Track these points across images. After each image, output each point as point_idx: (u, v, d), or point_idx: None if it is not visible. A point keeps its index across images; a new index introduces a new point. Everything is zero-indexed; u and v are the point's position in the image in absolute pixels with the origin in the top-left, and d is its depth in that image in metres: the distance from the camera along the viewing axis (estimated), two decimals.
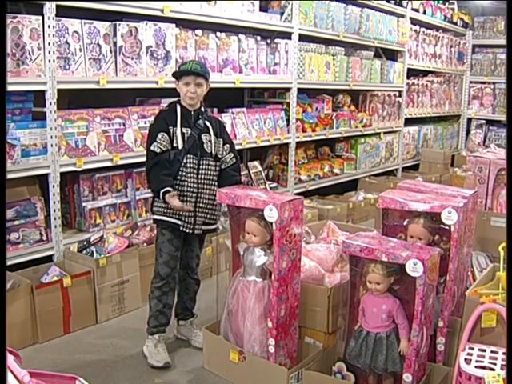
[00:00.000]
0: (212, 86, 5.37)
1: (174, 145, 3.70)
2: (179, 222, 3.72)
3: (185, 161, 3.69)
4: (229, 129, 5.74)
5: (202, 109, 3.83)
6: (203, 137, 3.76)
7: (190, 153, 3.70)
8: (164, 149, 3.66)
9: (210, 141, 3.77)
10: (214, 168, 3.80)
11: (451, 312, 3.39)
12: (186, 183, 3.70)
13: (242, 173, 4.20)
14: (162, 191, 3.58)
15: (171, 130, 3.68)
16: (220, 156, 3.85)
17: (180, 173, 3.69)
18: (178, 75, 3.76)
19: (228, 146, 3.89)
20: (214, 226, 3.90)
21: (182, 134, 3.70)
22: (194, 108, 3.78)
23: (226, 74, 5.60)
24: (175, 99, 3.83)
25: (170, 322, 3.92)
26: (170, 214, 3.72)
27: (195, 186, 3.71)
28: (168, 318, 3.87)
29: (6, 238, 4.14)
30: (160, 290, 3.79)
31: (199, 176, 3.72)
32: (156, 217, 3.79)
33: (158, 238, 3.84)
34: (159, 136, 3.66)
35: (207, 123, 3.79)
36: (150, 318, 3.84)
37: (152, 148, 3.66)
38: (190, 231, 3.75)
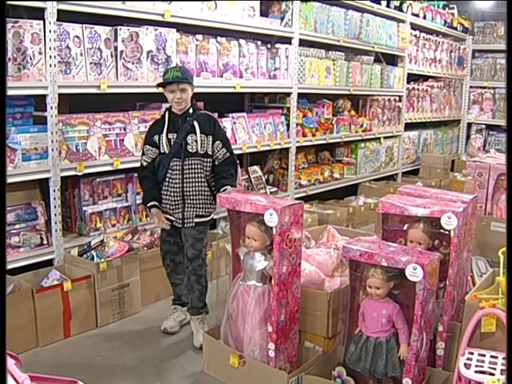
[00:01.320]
0: (212, 90, 5.43)
1: (162, 151, 4.03)
2: (171, 218, 4.07)
3: (171, 164, 4.00)
4: (229, 133, 5.75)
5: (191, 110, 4.04)
6: (188, 138, 3.99)
7: (175, 156, 3.99)
8: (149, 160, 4.07)
9: (196, 140, 3.99)
10: (200, 165, 4.02)
11: (451, 317, 3.40)
12: (171, 184, 4.01)
13: (241, 177, 4.28)
14: (148, 205, 4.08)
15: (157, 138, 4.03)
16: (211, 153, 4.04)
17: (168, 175, 4.01)
18: (162, 85, 3.99)
19: (219, 142, 4.06)
20: (208, 218, 4.13)
21: (168, 139, 4.00)
22: (183, 111, 4.02)
23: (227, 78, 5.61)
24: (167, 106, 4.13)
25: (182, 300, 4.33)
26: (164, 211, 4.08)
27: (180, 185, 3.99)
28: (178, 294, 4.35)
29: (5, 242, 4.14)
30: (165, 269, 4.32)
31: (184, 175, 3.99)
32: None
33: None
34: (145, 149, 4.10)
35: (195, 123, 4.00)
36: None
37: (142, 161, 4.13)
38: (180, 225, 4.06)
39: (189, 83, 3.97)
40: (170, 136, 3.98)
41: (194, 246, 4.07)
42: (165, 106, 5.26)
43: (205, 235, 4.14)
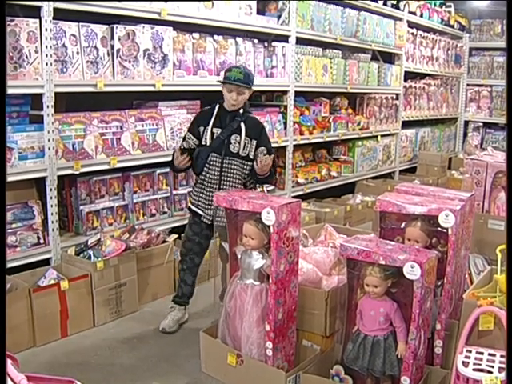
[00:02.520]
0: (209, 89, 5.42)
1: (203, 143, 4.05)
2: (201, 213, 4.10)
3: (209, 158, 4.03)
4: None
5: (241, 110, 4.07)
6: (233, 137, 4.02)
7: (214, 151, 4.01)
8: (187, 147, 4.09)
9: (239, 142, 4.02)
10: (240, 168, 4.05)
11: (449, 315, 3.40)
12: (208, 179, 4.05)
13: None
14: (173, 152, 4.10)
15: (202, 130, 4.06)
16: (252, 157, 4.06)
17: (204, 169, 4.05)
18: (222, 81, 4.02)
19: (263, 148, 4.07)
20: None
21: (212, 133, 4.03)
22: (234, 109, 4.05)
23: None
24: (221, 100, 4.12)
25: (183, 299, 4.31)
26: (196, 204, 4.14)
27: (217, 181, 4.03)
28: (183, 292, 4.31)
29: (5, 242, 4.13)
30: (180, 264, 4.33)
31: (222, 173, 4.03)
32: (189, 204, 4.31)
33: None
34: (187, 136, 4.14)
35: (242, 125, 4.03)
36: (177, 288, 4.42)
37: (180, 145, 4.17)
38: (209, 222, 4.05)
39: (248, 88, 4.03)
40: (214, 130, 4.02)
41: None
42: (162, 104, 5.29)
43: None
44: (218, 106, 4.09)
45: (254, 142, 4.05)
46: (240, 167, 4.04)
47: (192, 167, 4.13)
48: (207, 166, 4.03)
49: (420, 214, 3.35)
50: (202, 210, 4.09)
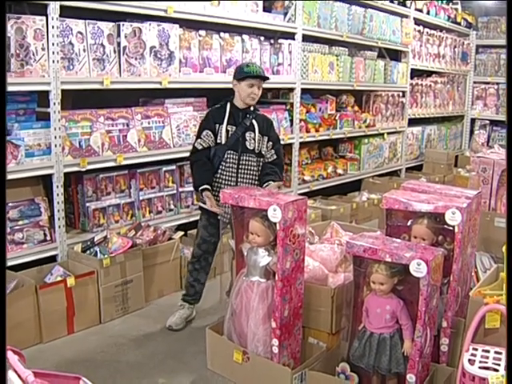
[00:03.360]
0: (215, 86, 5.43)
1: (218, 141, 4.06)
2: (219, 211, 4.01)
3: (225, 156, 4.04)
4: None
5: (251, 108, 4.11)
6: (247, 134, 4.06)
7: (230, 149, 4.04)
8: (206, 146, 4.06)
9: (254, 138, 4.07)
10: (255, 164, 4.11)
11: (455, 313, 3.39)
12: (225, 177, 4.06)
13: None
14: (200, 188, 4.00)
15: (217, 127, 4.06)
16: (264, 153, 4.13)
17: (221, 167, 4.06)
18: (242, 77, 4.02)
19: (272, 143, 4.16)
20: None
21: (227, 131, 4.06)
22: (245, 106, 4.09)
23: (230, 74, 5.57)
24: (228, 98, 4.16)
25: (196, 297, 4.32)
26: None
27: (234, 179, 4.06)
28: (196, 291, 4.30)
29: (5, 239, 4.16)
30: (192, 265, 4.27)
31: (239, 171, 4.07)
32: (200, 204, 4.19)
33: (198, 222, 4.28)
34: (204, 133, 4.08)
35: (254, 122, 4.08)
36: (185, 288, 4.38)
37: (196, 144, 4.10)
38: (227, 220, 3.98)
39: (266, 81, 4.11)
40: (228, 128, 4.04)
41: None
42: (168, 102, 5.29)
43: None
44: (229, 103, 4.11)
45: (266, 138, 4.12)
46: (256, 163, 4.10)
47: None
48: (223, 163, 4.04)
49: (426, 212, 3.34)
50: (220, 209, 4.03)
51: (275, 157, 4.16)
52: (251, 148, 4.06)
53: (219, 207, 3.95)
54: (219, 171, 4.06)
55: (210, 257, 4.28)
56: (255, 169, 4.10)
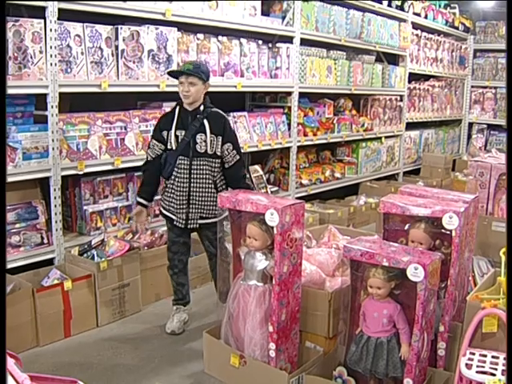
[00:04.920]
0: (213, 89, 5.40)
1: (169, 147, 4.02)
2: (173, 217, 4.08)
3: (177, 162, 3.99)
4: None
5: (202, 107, 4.00)
6: (198, 137, 3.96)
7: (181, 154, 3.98)
8: (154, 156, 4.07)
9: (205, 140, 3.96)
10: (209, 167, 4.01)
11: (452, 317, 3.39)
12: (177, 183, 4.01)
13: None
14: (137, 200, 4.25)
15: (165, 134, 4.02)
16: (220, 154, 4.01)
17: (174, 173, 4.01)
18: (173, 76, 4.00)
19: (229, 144, 4.04)
20: (214, 220, 4.03)
21: (176, 136, 3.98)
22: (193, 107, 3.98)
23: (228, 77, 5.61)
24: (178, 101, 4.07)
25: (187, 299, 4.35)
26: (167, 209, 4.13)
27: (186, 185, 3.99)
28: (183, 294, 4.32)
29: (6, 242, 4.14)
30: (171, 270, 4.26)
31: (191, 175, 3.97)
32: (160, 209, 4.23)
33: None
34: (151, 143, 4.10)
35: (205, 122, 3.97)
36: (173, 293, 4.36)
37: (146, 155, 4.15)
38: (182, 226, 4.06)
39: (199, 78, 3.92)
40: (178, 133, 3.97)
41: (213, 245, 4.09)
42: (166, 105, 5.28)
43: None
44: (178, 107, 4.04)
45: (220, 139, 3.99)
46: (209, 166, 3.99)
47: (161, 172, 4.12)
48: (176, 169, 3.99)
49: (424, 216, 3.34)
50: (174, 214, 4.07)
51: (238, 158, 4.07)
52: (202, 151, 3.95)
53: (141, 224, 4.26)
54: (172, 177, 4.02)
55: (184, 257, 4.25)
56: (209, 171, 3.99)
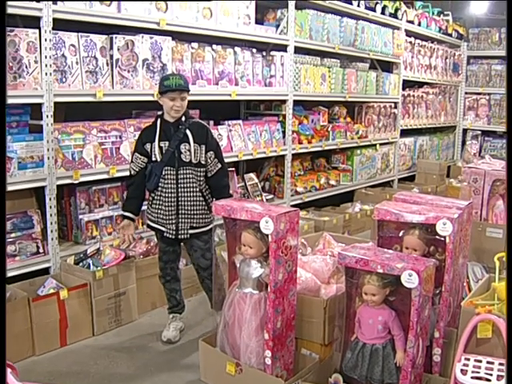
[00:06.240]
0: (208, 98, 5.45)
1: (153, 159, 4.01)
2: (163, 229, 4.08)
3: (163, 173, 3.99)
4: (225, 141, 5.78)
5: (183, 118, 4.01)
6: (182, 146, 3.97)
7: (167, 165, 3.98)
8: (137, 169, 4.07)
9: (189, 150, 3.98)
10: (194, 175, 4.01)
11: (447, 323, 3.40)
12: (165, 194, 4.00)
13: (237, 184, 4.30)
14: (121, 213, 4.25)
15: (149, 147, 4.01)
16: (204, 162, 4.04)
17: (160, 184, 4.01)
18: (163, 90, 3.95)
19: (212, 152, 4.07)
20: (204, 229, 4.11)
21: (160, 147, 3.99)
22: (176, 119, 3.99)
23: (222, 86, 5.62)
24: (159, 113, 4.09)
25: (181, 304, 4.37)
26: (155, 221, 4.11)
27: (174, 195, 4.00)
28: (177, 300, 4.33)
29: (5, 251, 4.14)
30: (163, 278, 4.28)
31: (179, 185, 3.98)
32: (148, 222, 4.21)
33: None
34: (134, 157, 4.09)
35: (187, 132, 3.99)
36: (167, 301, 4.37)
37: (129, 169, 4.15)
38: (173, 237, 4.07)
39: (188, 92, 4.00)
40: (161, 144, 3.98)
41: (204, 256, 4.13)
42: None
43: (211, 243, 4.16)
44: (159, 119, 4.04)
45: (203, 147, 4.02)
46: (195, 175, 4.00)
47: (145, 185, 4.10)
48: (162, 180, 3.98)
49: (418, 223, 3.36)
50: (164, 226, 4.06)
51: (220, 166, 4.09)
52: (187, 160, 3.96)
53: (127, 235, 4.19)
54: (159, 188, 4.01)
55: (174, 264, 4.27)
56: (195, 180, 4.00)
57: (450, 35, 10.44)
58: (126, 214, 4.17)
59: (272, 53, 6.33)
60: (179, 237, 4.06)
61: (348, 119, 8.01)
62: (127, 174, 4.82)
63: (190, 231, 4.05)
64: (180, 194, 3.98)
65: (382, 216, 3.45)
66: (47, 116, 4.27)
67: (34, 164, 4.28)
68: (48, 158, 4.31)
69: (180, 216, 4.01)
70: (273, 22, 6.42)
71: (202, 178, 4.05)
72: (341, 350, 3.29)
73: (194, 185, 4.01)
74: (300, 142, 6.86)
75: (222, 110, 6.13)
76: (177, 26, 5.08)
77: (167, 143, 3.97)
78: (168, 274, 4.25)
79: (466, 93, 11.22)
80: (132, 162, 4.11)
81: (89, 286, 4.24)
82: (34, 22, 4.17)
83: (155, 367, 3.88)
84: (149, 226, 4.20)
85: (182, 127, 3.99)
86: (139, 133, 4.25)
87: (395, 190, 8.60)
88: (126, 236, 4.20)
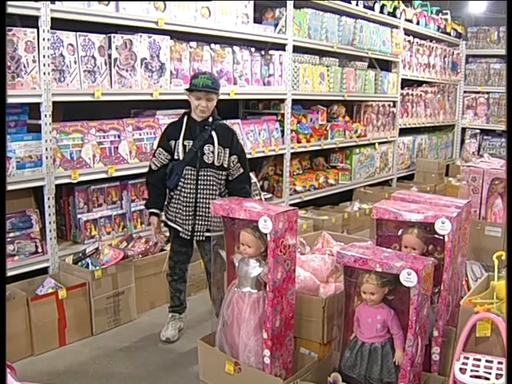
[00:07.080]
0: None
1: (176, 157, 3.97)
2: (179, 229, 4.04)
3: (184, 172, 3.95)
4: None
5: (210, 119, 3.98)
6: (205, 148, 3.93)
7: (188, 164, 3.92)
8: (159, 165, 4.03)
9: (213, 151, 3.93)
10: (215, 178, 3.98)
11: (446, 322, 3.40)
12: (184, 193, 3.97)
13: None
14: (149, 211, 4.16)
15: (173, 144, 3.96)
16: (226, 166, 3.99)
17: (180, 183, 3.97)
18: (190, 89, 3.93)
19: (235, 156, 4.03)
20: (220, 233, 3.95)
21: (184, 146, 3.93)
22: (203, 118, 3.96)
23: (221, 85, 5.60)
24: (186, 110, 4.05)
25: (183, 305, 4.37)
26: (173, 220, 4.08)
27: (193, 196, 3.95)
28: (180, 301, 4.33)
29: (5, 251, 4.14)
30: (170, 277, 4.27)
31: (198, 186, 3.94)
32: (165, 220, 4.17)
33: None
34: (157, 152, 4.05)
35: (213, 133, 3.95)
36: (170, 300, 4.37)
37: (150, 164, 4.11)
38: (188, 237, 4.04)
39: (216, 94, 3.96)
40: (185, 143, 3.94)
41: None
42: (159, 113, 5.29)
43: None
44: (186, 117, 4.01)
45: (227, 151, 3.98)
46: (215, 177, 3.98)
47: (165, 183, 4.07)
48: (182, 180, 3.96)
49: (416, 222, 3.36)
50: (180, 226, 4.04)
51: (242, 171, 4.06)
52: (209, 162, 3.93)
53: (159, 234, 4.20)
54: (178, 187, 3.99)
55: (184, 266, 4.25)
56: (215, 183, 3.98)
57: (449, 34, 10.44)
58: (153, 210, 4.11)
59: (270, 52, 6.32)
60: (195, 238, 4.04)
61: (347, 118, 8.01)
62: (125, 173, 4.87)
63: (206, 234, 4.00)
64: (199, 195, 3.95)
65: (380, 215, 3.45)
66: (45, 115, 4.27)
67: (33, 163, 4.28)
68: (46, 158, 4.31)
69: (197, 217, 3.99)
70: (271, 21, 6.43)
71: (222, 182, 4.03)
72: (340, 349, 3.29)
73: (214, 187, 3.98)
74: (299, 141, 6.86)
75: (220, 108, 6.10)
76: (175, 26, 5.07)
77: (191, 142, 3.93)
78: (176, 273, 4.24)
79: (465, 91, 11.24)
80: (154, 156, 4.06)
81: (87, 285, 4.23)
82: (32, 22, 4.17)
83: (154, 366, 3.88)
84: (166, 224, 4.17)
85: (208, 128, 3.95)
86: (164, 128, 4.23)
87: (394, 188, 8.59)
88: (158, 235, 4.19)
